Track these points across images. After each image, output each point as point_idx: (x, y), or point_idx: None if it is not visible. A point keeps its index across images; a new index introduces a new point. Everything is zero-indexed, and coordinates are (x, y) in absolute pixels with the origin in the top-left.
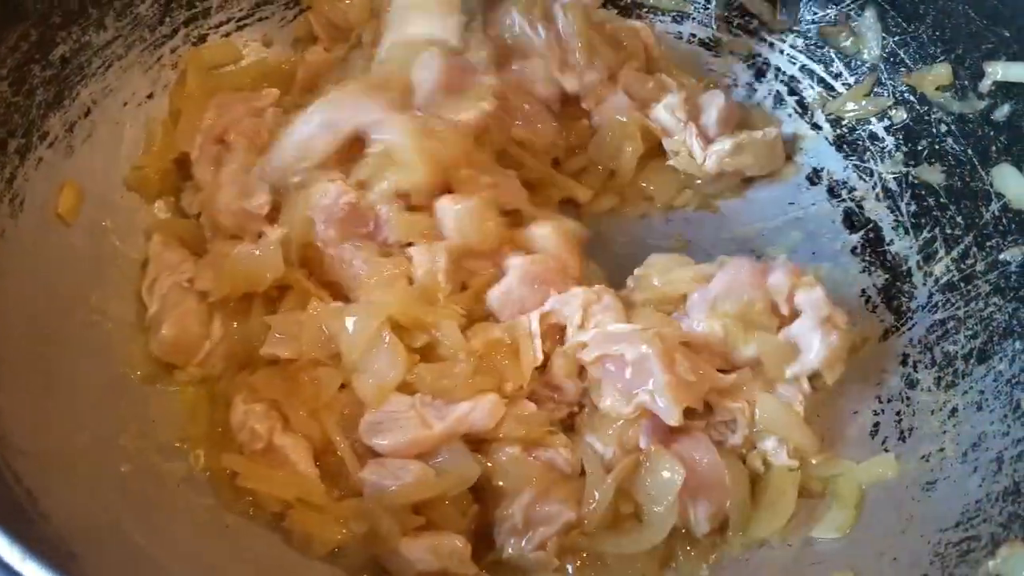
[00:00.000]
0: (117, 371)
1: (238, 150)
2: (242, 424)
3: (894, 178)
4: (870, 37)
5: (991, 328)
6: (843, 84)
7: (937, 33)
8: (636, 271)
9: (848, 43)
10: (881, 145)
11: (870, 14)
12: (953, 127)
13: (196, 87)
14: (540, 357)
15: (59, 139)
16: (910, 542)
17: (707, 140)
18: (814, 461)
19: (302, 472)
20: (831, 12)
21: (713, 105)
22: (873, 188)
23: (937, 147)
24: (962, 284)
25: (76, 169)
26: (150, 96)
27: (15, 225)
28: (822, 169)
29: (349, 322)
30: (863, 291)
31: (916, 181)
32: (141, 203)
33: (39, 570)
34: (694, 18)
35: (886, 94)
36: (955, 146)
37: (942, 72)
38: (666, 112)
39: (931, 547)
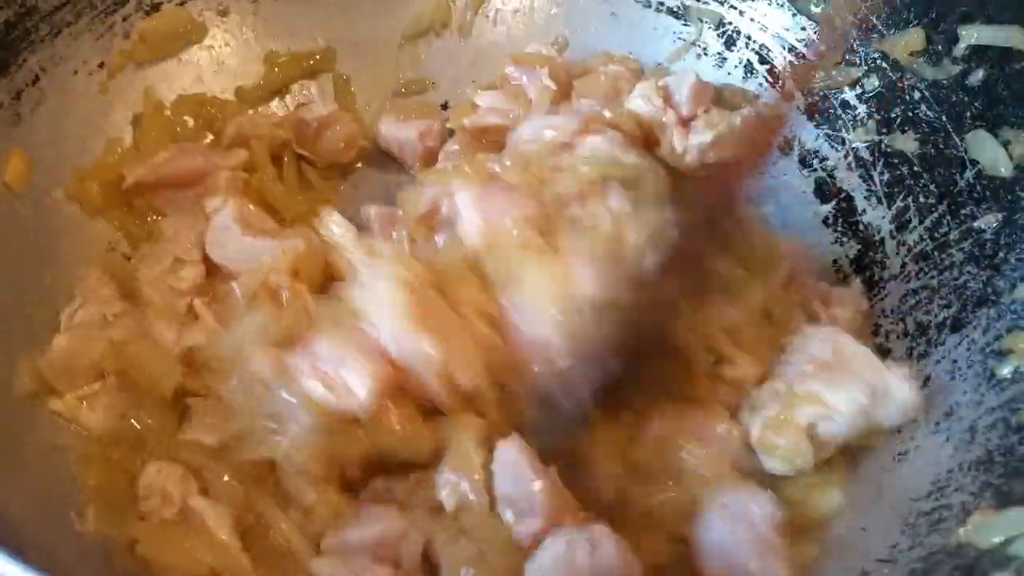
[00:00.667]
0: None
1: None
2: (151, 487)
3: (866, 147)
4: (841, 3)
5: (965, 297)
6: (814, 52)
7: None
8: None
9: (819, 9)
10: (853, 113)
11: None
12: (927, 93)
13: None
14: None
15: (4, 106)
16: (881, 513)
17: (684, 124)
18: None
19: (221, 540)
20: None
21: (684, 83)
22: (845, 157)
23: (910, 114)
24: (935, 253)
25: (24, 138)
26: (101, 65)
27: None
28: (793, 139)
29: None
30: (835, 262)
31: (889, 150)
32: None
33: None
34: None
35: (859, 61)
36: (928, 113)
37: (915, 37)
38: (642, 101)
39: (902, 517)
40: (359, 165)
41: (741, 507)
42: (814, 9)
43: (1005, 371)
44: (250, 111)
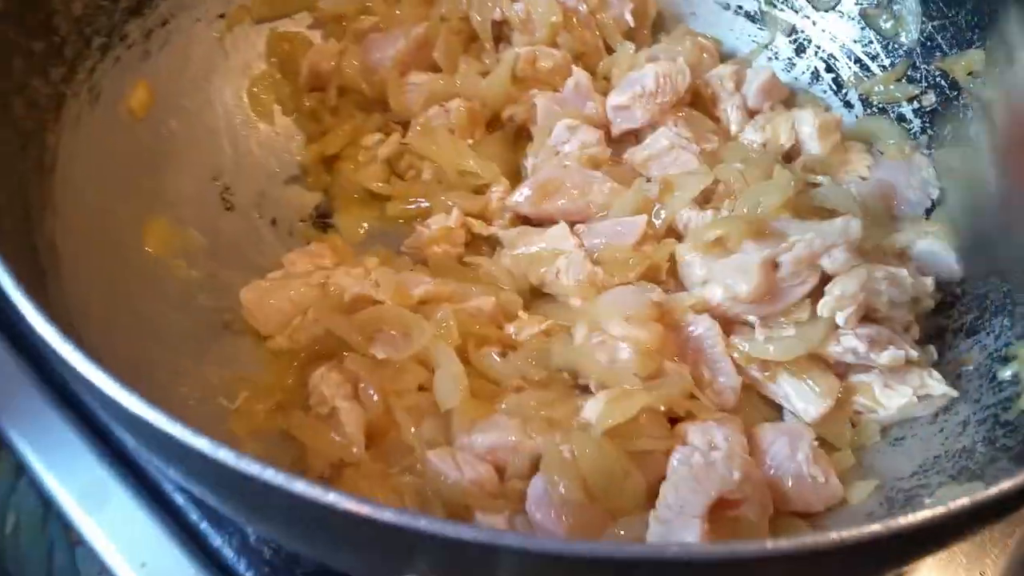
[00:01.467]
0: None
1: None
2: (316, 387)
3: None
4: (910, 21)
5: (984, 306)
6: (879, 65)
7: (975, 19)
8: None
9: (888, 25)
10: (908, 127)
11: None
12: (980, 113)
13: None
14: None
15: (136, 43)
16: (863, 488)
17: (748, 113)
18: None
19: (347, 433)
20: None
21: (759, 78)
22: None
23: (961, 132)
24: None
25: (149, 72)
26: (221, 16)
27: (91, 112)
28: None
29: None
30: None
31: (936, 164)
32: (204, 107)
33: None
34: None
35: (919, 78)
36: (979, 131)
37: (975, 58)
38: (717, 80)
39: (883, 493)
40: None
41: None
42: (883, 25)
43: (1006, 374)
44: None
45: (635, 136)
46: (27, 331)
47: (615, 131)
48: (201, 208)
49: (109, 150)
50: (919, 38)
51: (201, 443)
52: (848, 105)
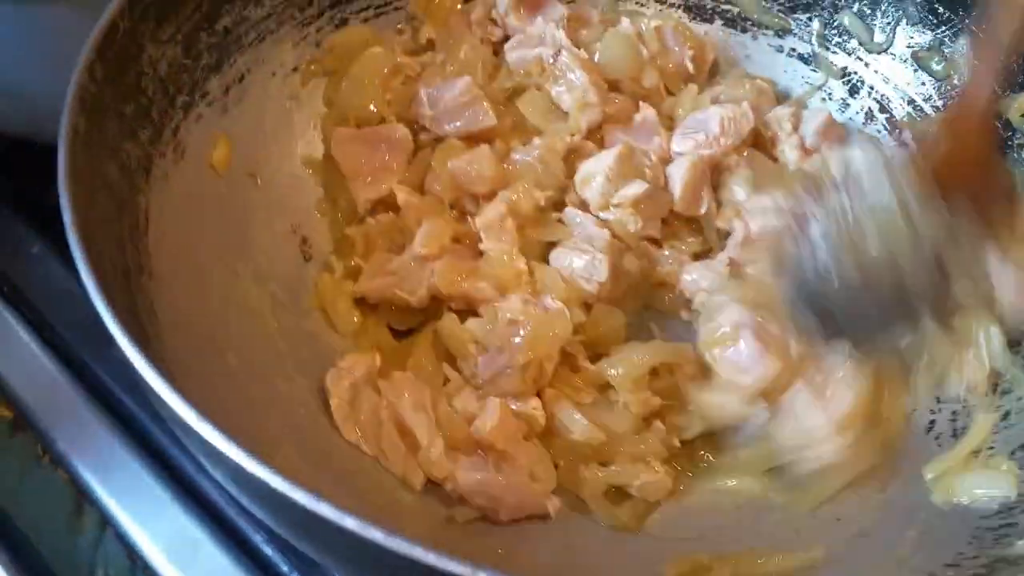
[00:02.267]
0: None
1: None
2: None
3: None
4: (962, 64)
5: None
6: (932, 106)
7: None
8: None
9: (939, 68)
10: None
11: (963, 42)
12: None
13: None
14: None
15: (217, 99)
16: (950, 524)
17: (805, 152)
18: None
19: None
20: (926, 38)
21: (816, 119)
22: None
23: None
24: None
25: (228, 127)
26: (295, 69)
27: (177, 170)
28: None
29: None
30: None
31: None
32: (282, 159)
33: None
34: (794, 34)
35: None
36: None
37: None
38: (775, 121)
39: (970, 531)
40: None
41: None
42: (934, 67)
43: None
44: None
45: None
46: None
47: None
48: (283, 260)
49: (196, 207)
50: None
51: (351, 523)
52: (903, 145)
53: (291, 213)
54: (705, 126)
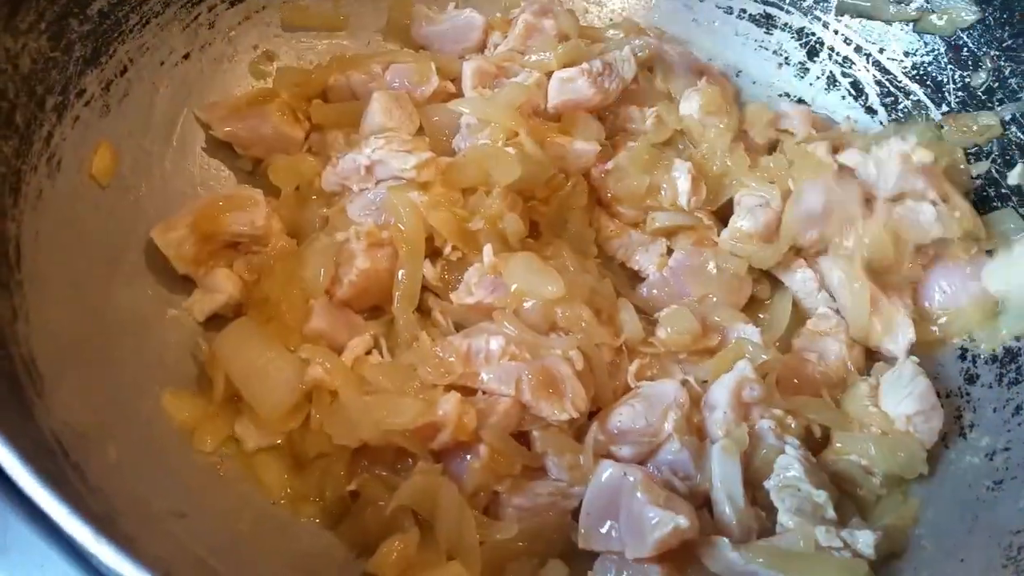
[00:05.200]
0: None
1: None
2: None
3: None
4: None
5: None
6: (900, 67)
7: (1005, 16)
8: None
9: (942, 22)
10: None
11: None
12: (1019, 115)
13: None
14: None
15: (96, 97)
16: (979, 543)
17: None
18: None
19: None
20: None
21: None
22: None
23: (1001, 139)
24: None
25: (112, 129)
26: (186, 56)
27: (52, 186)
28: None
29: None
30: None
31: (977, 174)
32: (179, 165)
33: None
34: None
35: None
36: (1019, 135)
37: None
38: None
39: (1002, 550)
40: None
41: None
42: (937, 22)
43: None
44: None
45: None
46: None
47: None
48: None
49: (79, 228)
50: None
51: None
52: (871, 111)
53: None
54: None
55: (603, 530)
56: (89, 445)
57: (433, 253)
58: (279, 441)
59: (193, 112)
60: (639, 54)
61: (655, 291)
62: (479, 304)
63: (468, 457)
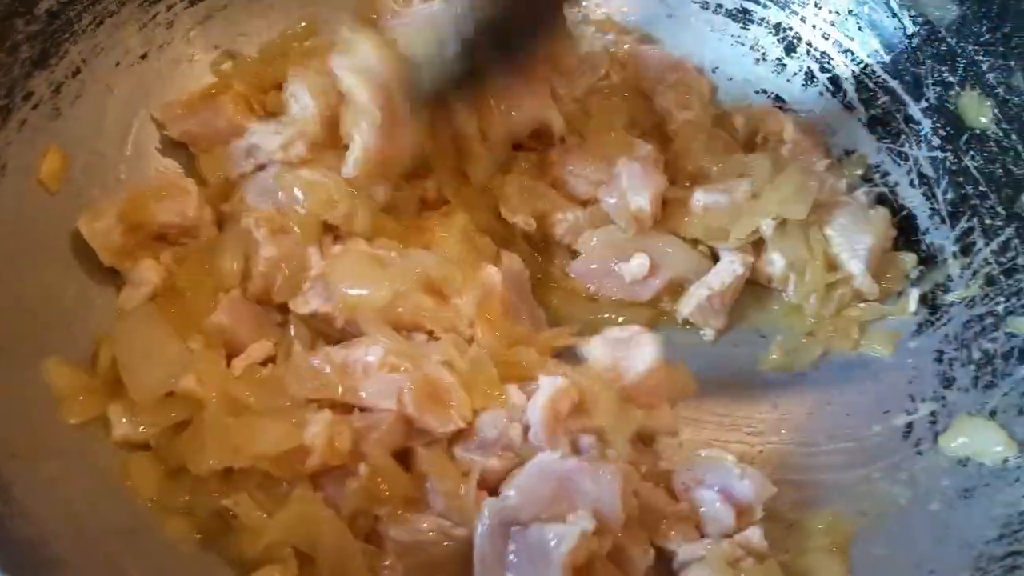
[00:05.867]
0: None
1: None
2: None
3: (930, 163)
4: None
5: None
6: (879, 63)
7: (983, 10)
8: None
9: None
10: (917, 128)
11: None
12: (996, 111)
13: None
14: None
15: (44, 100)
16: (949, 554)
17: None
18: None
19: None
20: None
21: None
22: (908, 173)
23: (978, 132)
24: (1002, 278)
25: (63, 133)
26: (143, 57)
27: None
28: (854, 151)
29: None
30: None
31: (954, 167)
32: (134, 168)
33: None
34: None
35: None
36: (997, 131)
37: None
38: None
39: (972, 560)
40: None
41: None
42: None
43: None
44: None
45: None
46: None
47: None
48: None
49: (25, 234)
50: None
51: None
52: (849, 107)
53: None
54: None
55: None
56: (16, 463)
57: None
58: (149, 440)
59: (150, 113)
60: (612, 49)
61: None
62: (318, 315)
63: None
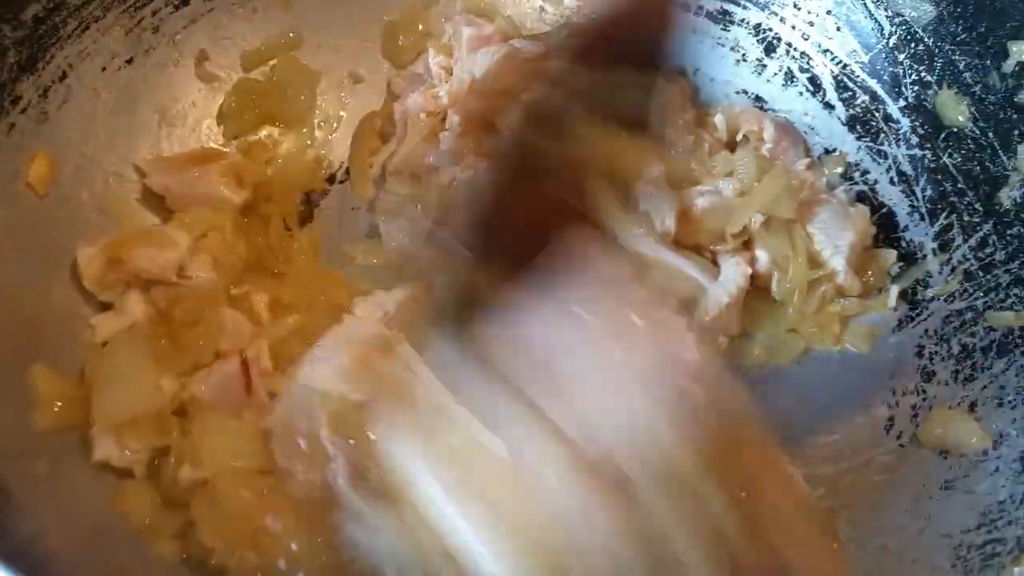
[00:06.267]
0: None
1: None
2: None
3: (909, 161)
4: None
5: None
6: (857, 62)
7: (959, 10)
8: None
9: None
10: (896, 127)
11: None
12: (973, 110)
13: None
14: None
15: (32, 104)
16: (930, 543)
17: None
18: None
19: None
20: None
21: None
22: (887, 171)
23: (956, 130)
24: (980, 273)
25: (50, 136)
26: (129, 61)
27: None
28: (834, 150)
29: None
30: None
31: (932, 165)
32: (120, 175)
33: None
34: None
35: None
36: (975, 129)
37: None
38: None
39: (952, 549)
40: None
41: None
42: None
43: None
44: None
45: None
46: None
47: None
48: None
49: (14, 238)
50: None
51: None
52: (828, 107)
53: None
54: None
55: None
56: (13, 462)
57: None
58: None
59: (133, 164)
60: None
61: None
62: None
63: None
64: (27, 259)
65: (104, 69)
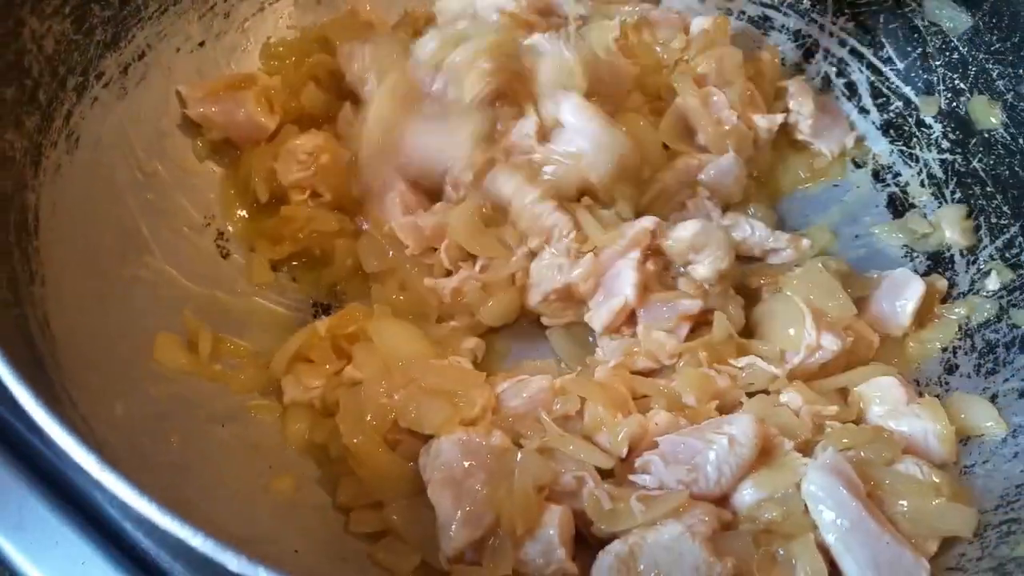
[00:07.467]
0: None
1: None
2: None
3: (940, 165)
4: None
5: None
6: (892, 69)
7: (994, 21)
8: None
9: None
10: (928, 132)
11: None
12: (1004, 116)
13: None
14: None
15: (114, 80)
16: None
17: None
18: None
19: None
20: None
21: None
22: (918, 174)
23: (986, 136)
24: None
25: (128, 111)
26: (201, 44)
27: (70, 162)
28: (868, 152)
29: None
30: None
31: (962, 169)
32: (188, 148)
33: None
34: None
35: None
36: (1005, 135)
37: None
38: None
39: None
40: None
41: None
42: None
43: None
44: None
45: None
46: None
47: None
48: (195, 258)
49: (94, 202)
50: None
51: None
52: (863, 111)
53: (203, 205)
54: None
55: None
56: (96, 400)
57: None
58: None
59: (176, 89)
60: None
61: None
62: None
63: None
64: (106, 223)
65: (178, 50)
